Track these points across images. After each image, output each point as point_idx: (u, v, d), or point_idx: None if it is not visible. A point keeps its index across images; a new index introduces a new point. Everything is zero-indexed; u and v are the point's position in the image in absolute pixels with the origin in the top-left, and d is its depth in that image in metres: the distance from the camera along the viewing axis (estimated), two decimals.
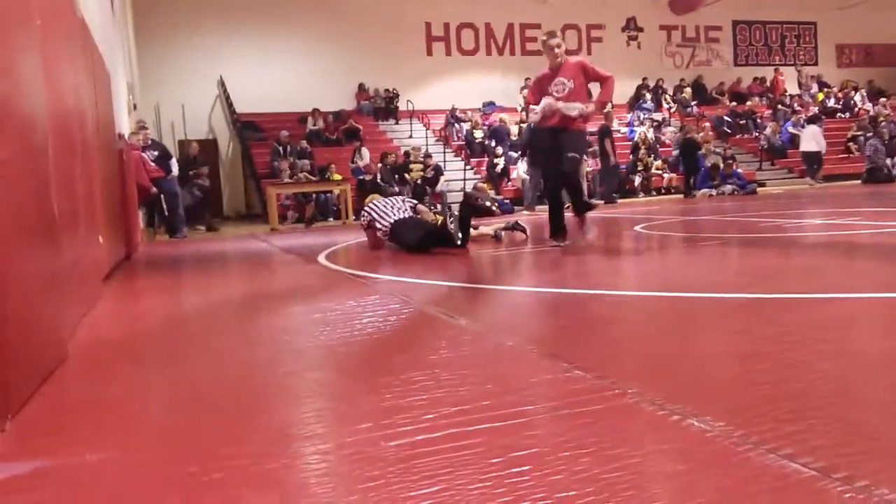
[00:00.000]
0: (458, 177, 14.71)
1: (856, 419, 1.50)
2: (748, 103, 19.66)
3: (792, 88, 21.19)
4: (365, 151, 14.44)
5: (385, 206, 6.33)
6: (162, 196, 9.86)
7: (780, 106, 19.66)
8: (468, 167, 15.72)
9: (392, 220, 6.12)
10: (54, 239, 2.51)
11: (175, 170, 10.37)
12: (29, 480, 1.45)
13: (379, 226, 6.23)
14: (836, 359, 1.97)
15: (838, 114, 20.43)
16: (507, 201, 12.93)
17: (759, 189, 14.64)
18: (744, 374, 1.87)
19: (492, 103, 18.35)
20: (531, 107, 5.73)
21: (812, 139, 15.75)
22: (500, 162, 15.03)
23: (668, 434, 1.45)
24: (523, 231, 6.64)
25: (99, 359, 2.58)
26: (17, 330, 1.83)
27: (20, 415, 1.84)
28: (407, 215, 6.21)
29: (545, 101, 5.44)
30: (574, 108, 5.37)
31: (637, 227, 7.25)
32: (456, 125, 17.07)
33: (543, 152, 5.75)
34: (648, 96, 19.14)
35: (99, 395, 2.09)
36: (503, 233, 6.65)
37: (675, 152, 15.90)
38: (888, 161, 15.48)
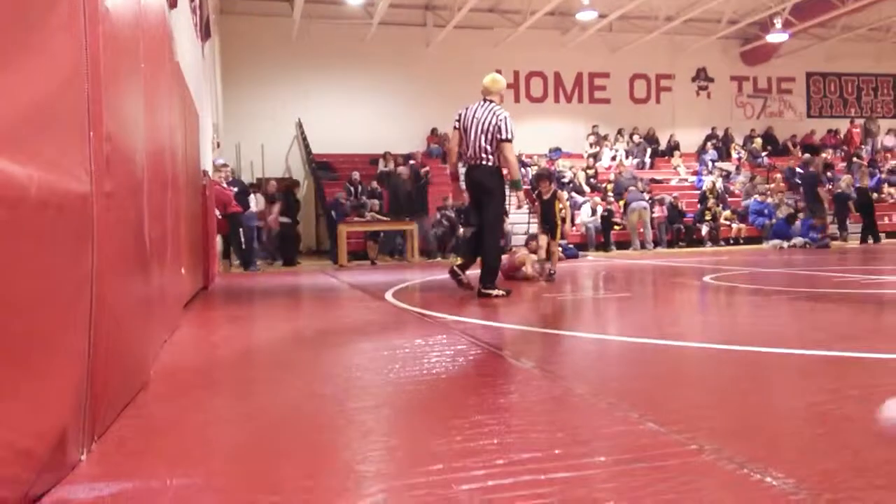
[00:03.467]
0: (522, 220, 14.72)
1: None
2: (822, 155, 19.14)
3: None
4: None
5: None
6: (241, 230, 10.26)
7: (854, 159, 19.06)
8: (532, 211, 15.72)
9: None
10: (146, 267, 2.65)
11: (253, 205, 10.78)
12: (113, 502, 1.50)
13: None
14: None
15: None
16: (572, 246, 12.85)
17: (832, 243, 14.17)
18: (829, 436, 1.79)
19: (558, 149, 18.43)
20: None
21: None
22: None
23: (749, 495, 1.40)
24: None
25: (180, 385, 2.68)
26: (107, 354, 1.93)
27: (105, 436, 1.91)
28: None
29: None
30: None
31: (706, 278, 7.09)
32: (522, 170, 17.19)
33: None
34: (709, 146, 18.88)
35: (181, 420, 2.17)
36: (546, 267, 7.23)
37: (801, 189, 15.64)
38: None
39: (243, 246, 10.42)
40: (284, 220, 12.73)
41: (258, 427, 2.08)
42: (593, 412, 2.12)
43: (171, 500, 1.50)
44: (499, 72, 6.84)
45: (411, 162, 15.91)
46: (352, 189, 14.25)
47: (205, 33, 8.84)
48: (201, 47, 8.52)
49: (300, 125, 16.99)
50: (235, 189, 10.49)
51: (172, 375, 2.82)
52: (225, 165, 10.78)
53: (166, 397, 2.48)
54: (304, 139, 16.74)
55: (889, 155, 20.18)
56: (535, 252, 7.59)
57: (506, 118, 5.54)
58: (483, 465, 1.61)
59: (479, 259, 5.71)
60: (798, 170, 17.86)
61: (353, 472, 1.63)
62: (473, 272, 5.90)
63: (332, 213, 13.39)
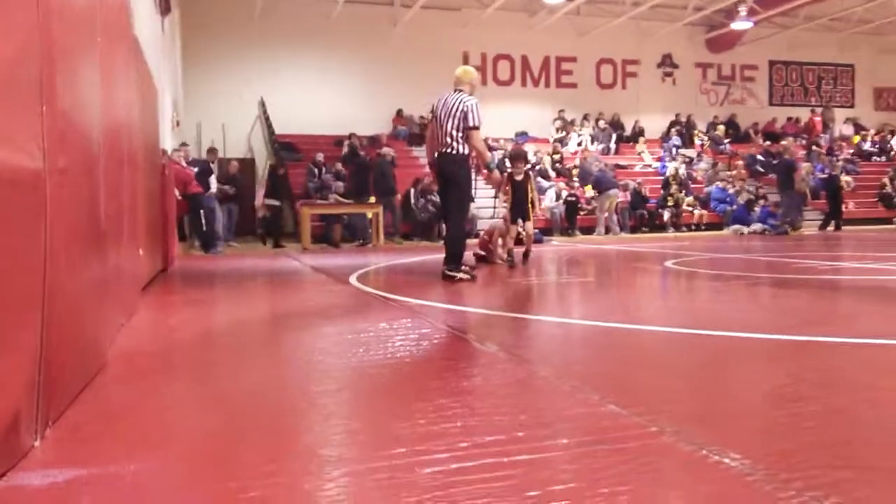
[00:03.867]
0: (488, 204, 14.74)
1: None
2: (782, 143, 19.54)
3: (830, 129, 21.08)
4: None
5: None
6: (201, 211, 10.06)
7: (814, 147, 19.49)
8: (497, 195, 15.76)
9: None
10: (101, 247, 2.58)
11: (214, 186, 10.59)
12: (68, 488, 1.46)
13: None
14: (885, 407, 1.93)
15: (874, 157, 20.23)
16: (537, 231, 12.90)
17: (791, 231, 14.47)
18: (789, 418, 1.83)
19: (524, 133, 18.46)
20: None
21: None
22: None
23: (706, 476, 1.43)
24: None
25: (137, 369, 2.63)
26: (61, 336, 1.88)
27: (60, 421, 1.86)
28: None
29: None
30: None
31: (668, 263, 7.19)
32: (489, 153, 17.17)
33: None
34: (673, 132, 19.11)
35: (138, 405, 2.12)
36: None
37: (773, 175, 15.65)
38: None
39: (204, 227, 10.23)
40: (271, 202, 12.41)
41: (218, 411, 2.05)
42: (557, 395, 2.13)
43: (128, 486, 1.47)
44: (466, 57, 6.83)
45: (347, 141, 15.56)
46: (315, 171, 14.07)
47: (165, 7, 8.60)
48: (161, 21, 8.30)
49: (263, 104, 16.69)
50: (196, 169, 10.28)
51: (130, 359, 2.76)
52: (185, 145, 10.57)
53: (124, 381, 2.43)
54: (267, 119, 16.46)
55: (845, 144, 20.66)
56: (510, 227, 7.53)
57: (472, 106, 5.57)
58: (446, 448, 1.61)
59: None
60: (759, 157, 18.20)
61: (316, 456, 1.62)
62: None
63: (318, 194, 13.09)
